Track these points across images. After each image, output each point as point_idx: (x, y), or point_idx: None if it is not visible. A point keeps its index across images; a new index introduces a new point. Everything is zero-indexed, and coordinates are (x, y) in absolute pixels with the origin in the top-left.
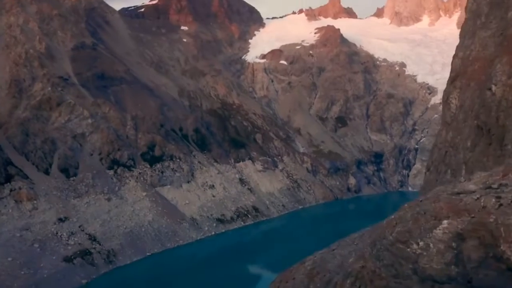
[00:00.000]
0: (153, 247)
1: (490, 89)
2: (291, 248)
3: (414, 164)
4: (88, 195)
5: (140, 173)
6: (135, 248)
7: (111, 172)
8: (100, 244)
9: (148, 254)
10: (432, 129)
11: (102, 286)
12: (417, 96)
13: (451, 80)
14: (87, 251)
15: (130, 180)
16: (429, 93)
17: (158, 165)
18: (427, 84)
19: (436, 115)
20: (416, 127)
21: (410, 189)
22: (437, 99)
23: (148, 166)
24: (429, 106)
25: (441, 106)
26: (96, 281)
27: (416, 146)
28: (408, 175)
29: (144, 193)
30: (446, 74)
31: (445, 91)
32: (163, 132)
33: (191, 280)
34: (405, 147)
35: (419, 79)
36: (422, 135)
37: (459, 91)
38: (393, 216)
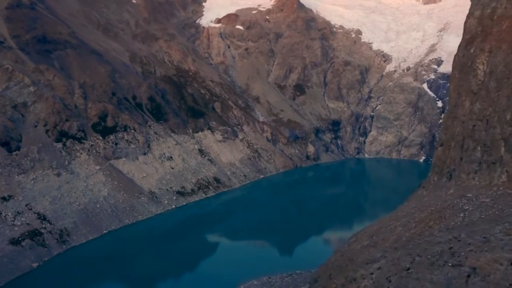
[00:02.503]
0: (110, 224)
1: None
2: (251, 217)
3: (370, 131)
4: (35, 171)
5: (92, 145)
6: (91, 226)
7: (59, 145)
8: (51, 224)
9: (105, 231)
10: (387, 96)
11: (55, 269)
12: (372, 64)
13: (466, 43)
14: (36, 231)
15: (81, 153)
16: (384, 61)
17: (111, 137)
18: (382, 51)
19: (391, 83)
20: (372, 95)
21: (366, 155)
22: (391, 66)
23: (101, 138)
24: (384, 73)
25: (395, 74)
26: (49, 264)
27: (372, 114)
28: (364, 142)
29: (98, 167)
30: (401, 42)
31: (458, 55)
32: (115, 101)
33: (151, 256)
34: (362, 114)
35: (375, 46)
36: (378, 102)
37: (488, 55)
38: None
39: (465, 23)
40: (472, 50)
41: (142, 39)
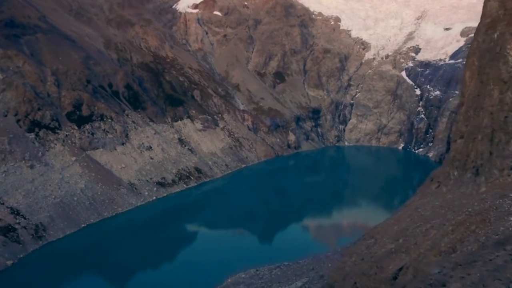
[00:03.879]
0: (88, 217)
1: None
2: (234, 208)
3: (349, 119)
4: (6, 163)
5: (66, 135)
6: (68, 220)
7: (32, 135)
8: (25, 218)
9: (83, 225)
10: (366, 84)
11: (32, 266)
12: (351, 51)
13: (487, 28)
14: (10, 227)
15: (55, 144)
16: (363, 49)
17: (87, 126)
18: (361, 39)
19: (370, 71)
20: (351, 83)
21: (346, 143)
22: (370, 54)
23: (76, 128)
24: (363, 61)
25: (374, 61)
26: (24, 261)
27: (352, 102)
28: (344, 130)
29: (74, 158)
30: (379, 29)
31: (477, 41)
32: (90, 89)
33: (132, 250)
34: (341, 102)
35: (353, 34)
36: (357, 90)
37: None
38: None
39: (484, 6)
40: (495, 35)
41: (116, 25)
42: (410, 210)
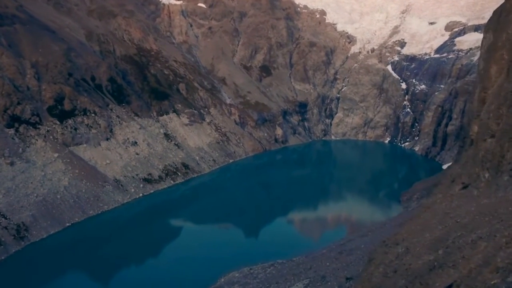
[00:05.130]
0: (73, 216)
1: None
2: (223, 204)
3: (336, 113)
4: None
5: (48, 130)
6: (51, 219)
7: (11, 131)
8: (6, 218)
9: (67, 224)
10: (352, 78)
11: (14, 268)
12: (337, 45)
13: (508, 12)
14: None
15: (37, 140)
16: (349, 42)
17: (70, 121)
18: (347, 33)
19: (356, 64)
20: (337, 76)
21: (333, 137)
22: (356, 48)
23: (58, 123)
24: (349, 55)
25: (360, 55)
26: (6, 263)
27: (338, 95)
28: (331, 124)
29: (56, 154)
30: (365, 23)
31: (508, 33)
32: (72, 82)
33: (119, 250)
34: (328, 96)
35: (339, 27)
36: (343, 84)
37: None
38: None
39: None
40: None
41: (98, 16)
42: (438, 215)
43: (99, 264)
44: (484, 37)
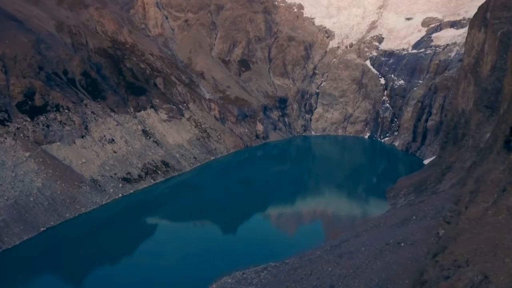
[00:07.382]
0: (47, 219)
1: None
2: (206, 204)
3: (316, 108)
4: None
5: (18, 128)
6: (24, 224)
7: None
8: None
9: (42, 229)
10: (331, 73)
11: None
12: (316, 40)
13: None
14: None
15: (5, 138)
16: (327, 37)
17: (42, 118)
18: (325, 27)
19: (335, 59)
20: (316, 71)
21: (313, 133)
22: (334, 43)
23: (28, 119)
24: (327, 50)
25: (339, 50)
26: None
27: (317, 91)
28: (310, 120)
29: (27, 153)
30: (342, 18)
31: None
32: (43, 76)
33: (100, 255)
34: (307, 91)
35: (317, 22)
36: (323, 79)
37: None
38: None
39: None
40: None
41: (68, 6)
42: (505, 232)
43: (77, 271)
44: (468, 33)
